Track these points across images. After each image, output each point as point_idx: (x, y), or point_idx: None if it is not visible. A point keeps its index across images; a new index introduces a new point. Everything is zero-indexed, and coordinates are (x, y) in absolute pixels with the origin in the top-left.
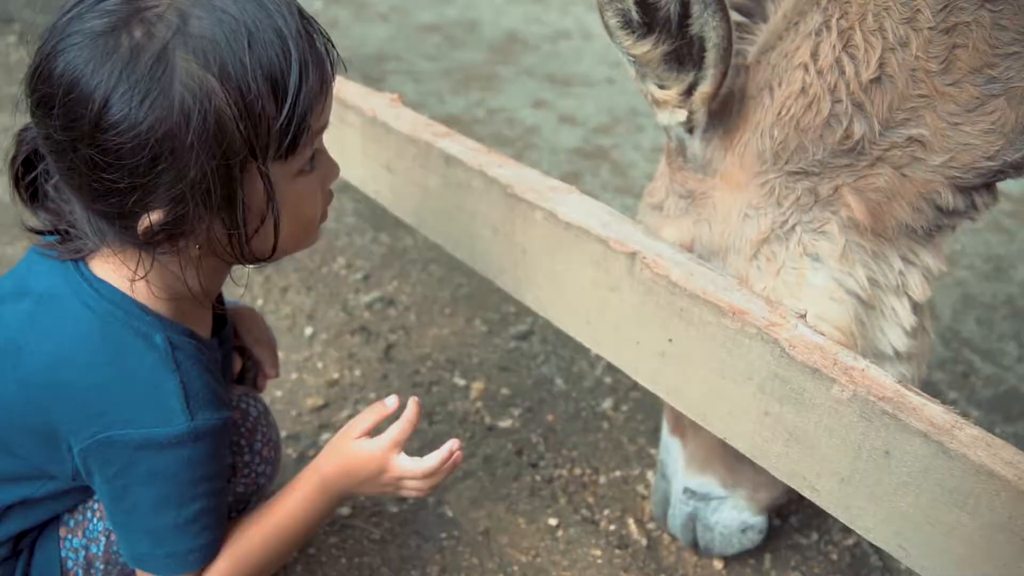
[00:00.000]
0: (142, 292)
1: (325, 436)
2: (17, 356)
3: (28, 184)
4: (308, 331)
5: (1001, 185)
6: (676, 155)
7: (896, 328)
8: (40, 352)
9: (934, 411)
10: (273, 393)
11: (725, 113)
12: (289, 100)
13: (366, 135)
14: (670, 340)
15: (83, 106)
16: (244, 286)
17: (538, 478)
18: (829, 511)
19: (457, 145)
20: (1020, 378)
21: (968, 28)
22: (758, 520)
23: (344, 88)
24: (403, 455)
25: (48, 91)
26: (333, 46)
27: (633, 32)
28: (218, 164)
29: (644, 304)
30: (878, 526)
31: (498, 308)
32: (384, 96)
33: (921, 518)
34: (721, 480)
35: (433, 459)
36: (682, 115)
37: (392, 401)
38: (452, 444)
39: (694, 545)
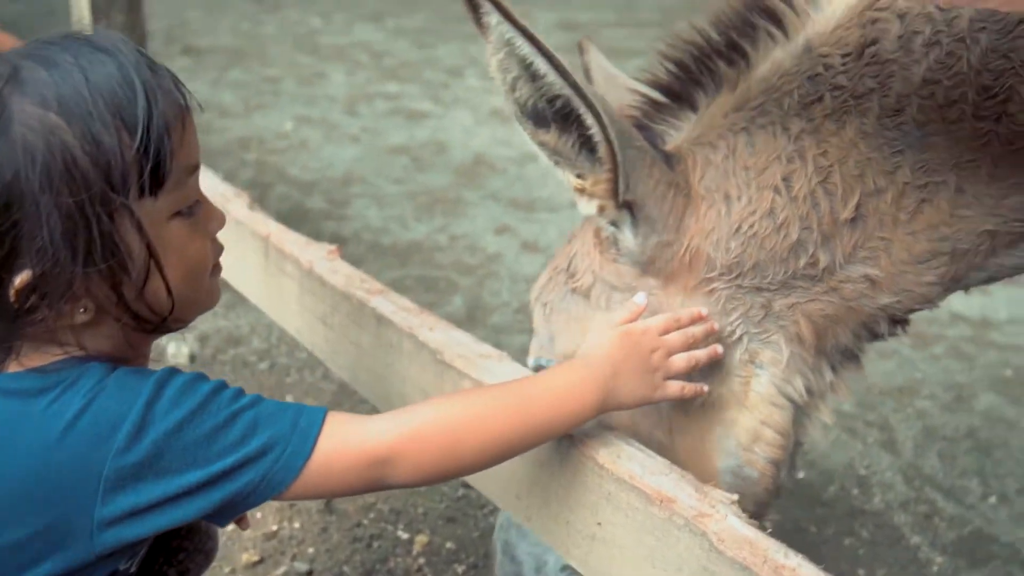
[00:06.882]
0: None
1: None
2: None
3: None
4: None
5: (961, 309)
6: (609, 245)
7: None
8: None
9: None
10: None
11: (669, 209)
12: (140, 126)
13: (303, 287)
14: (599, 524)
15: None
16: None
17: None
18: None
19: (390, 304)
20: (984, 518)
21: (936, 187)
22: None
23: (283, 237)
24: None
25: None
26: (181, 83)
27: (533, 122)
28: (76, 203)
29: (572, 484)
30: None
31: None
32: (322, 247)
33: None
34: None
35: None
36: (594, 205)
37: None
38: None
39: None
